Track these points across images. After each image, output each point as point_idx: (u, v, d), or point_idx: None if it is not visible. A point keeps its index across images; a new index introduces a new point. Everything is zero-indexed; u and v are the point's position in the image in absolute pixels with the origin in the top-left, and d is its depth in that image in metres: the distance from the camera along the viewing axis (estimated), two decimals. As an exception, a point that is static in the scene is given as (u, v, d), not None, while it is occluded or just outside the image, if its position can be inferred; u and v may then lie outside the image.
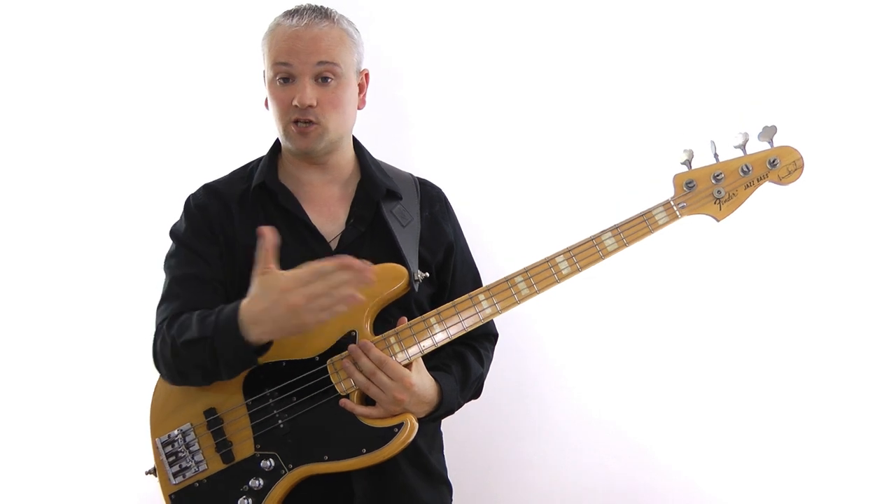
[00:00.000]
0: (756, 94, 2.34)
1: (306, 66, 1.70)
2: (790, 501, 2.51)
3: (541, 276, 1.70)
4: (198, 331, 1.62)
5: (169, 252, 1.82)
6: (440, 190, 1.97)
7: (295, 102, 1.70)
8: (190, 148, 2.60)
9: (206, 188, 1.85)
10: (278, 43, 1.72)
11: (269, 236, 1.55)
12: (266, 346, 1.60)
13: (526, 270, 1.70)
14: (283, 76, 1.72)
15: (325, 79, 1.72)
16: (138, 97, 2.62)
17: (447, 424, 1.89)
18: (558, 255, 1.70)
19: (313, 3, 1.79)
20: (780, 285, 2.51)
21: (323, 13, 1.76)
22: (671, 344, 2.56)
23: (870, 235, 2.47)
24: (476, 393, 1.90)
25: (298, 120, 1.72)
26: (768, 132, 1.70)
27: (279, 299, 1.51)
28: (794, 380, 2.51)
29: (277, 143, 1.87)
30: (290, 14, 1.75)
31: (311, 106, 1.70)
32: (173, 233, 1.83)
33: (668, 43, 2.53)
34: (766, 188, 1.72)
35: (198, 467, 1.68)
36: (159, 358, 1.71)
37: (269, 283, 1.53)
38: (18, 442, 2.56)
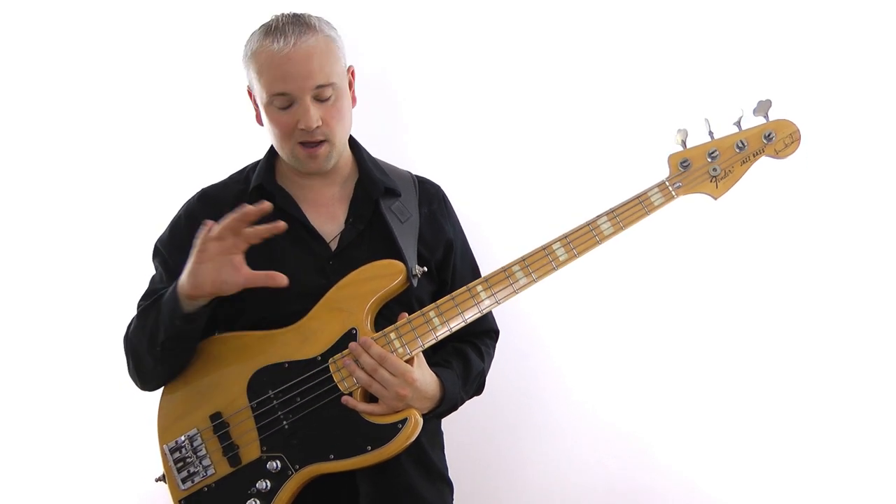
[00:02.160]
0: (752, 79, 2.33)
1: (305, 89, 1.67)
2: (789, 501, 2.48)
3: (538, 264, 1.68)
4: (154, 300, 1.73)
5: (154, 265, 1.87)
6: (439, 187, 1.96)
7: (301, 126, 1.69)
8: (188, 151, 2.62)
9: (202, 195, 1.87)
10: (270, 70, 1.67)
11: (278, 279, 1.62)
12: (194, 316, 1.66)
13: (523, 259, 1.69)
14: (282, 104, 1.70)
15: (323, 95, 1.70)
16: (135, 100, 2.63)
17: (447, 423, 1.88)
18: (554, 241, 1.69)
19: (288, 14, 1.73)
20: (783, 278, 2.47)
21: (303, 24, 1.69)
22: (672, 343, 2.53)
23: (874, 218, 2.43)
24: (478, 389, 1.89)
25: (306, 142, 1.72)
26: (763, 106, 1.68)
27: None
28: (795, 378, 2.48)
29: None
30: (272, 34, 1.67)
31: (317, 126, 1.70)
32: (155, 248, 1.86)
33: (657, 25, 2.50)
34: (767, 164, 1.70)
35: (206, 472, 1.69)
36: (125, 354, 1.80)
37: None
38: (26, 449, 2.58)
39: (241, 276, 1.61)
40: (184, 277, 1.63)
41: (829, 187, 2.42)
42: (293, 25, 1.68)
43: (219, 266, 1.60)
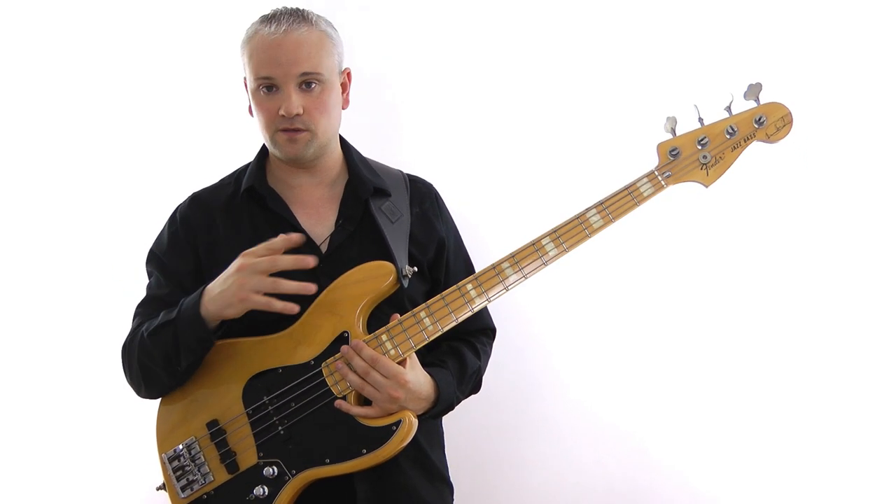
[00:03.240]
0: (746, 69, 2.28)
1: (290, 75, 1.70)
2: (788, 501, 2.45)
3: (527, 259, 1.66)
4: (164, 317, 1.71)
5: (147, 272, 1.87)
6: (431, 186, 1.95)
7: (282, 112, 1.70)
8: (180, 153, 2.62)
9: (193, 198, 1.87)
10: (259, 53, 1.72)
11: (292, 239, 1.63)
12: (220, 328, 1.67)
13: (512, 255, 1.67)
14: (267, 87, 1.72)
15: (308, 84, 1.72)
16: (126, 105, 2.65)
17: (446, 423, 1.87)
18: (544, 236, 1.67)
19: (290, 7, 1.77)
20: (781, 277, 2.44)
21: (300, 16, 1.74)
22: (670, 343, 2.51)
23: (873, 212, 2.39)
24: (475, 388, 1.87)
25: (287, 128, 1.72)
26: (754, 90, 1.64)
27: (232, 272, 1.63)
28: (794, 379, 2.45)
29: (264, 147, 1.87)
30: (268, 21, 1.74)
31: (297, 114, 1.70)
32: (151, 254, 1.87)
33: (643, 13, 2.48)
34: (758, 149, 1.66)
35: (204, 479, 1.69)
36: (125, 363, 1.79)
37: (237, 261, 1.64)
38: (28, 459, 2.60)
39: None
40: (211, 300, 1.64)
41: (823, 173, 2.38)
42: (289, 15, 1.73)
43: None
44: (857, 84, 2.36)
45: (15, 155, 2.64)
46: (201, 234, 1.80)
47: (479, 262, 1.93)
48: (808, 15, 2.39)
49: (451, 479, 1.88)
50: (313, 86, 1.72)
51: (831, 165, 2.37)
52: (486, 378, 1.89)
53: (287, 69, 1.69)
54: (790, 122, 1.63)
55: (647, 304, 2.51)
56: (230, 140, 2.41)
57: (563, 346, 2.57)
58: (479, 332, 1.90)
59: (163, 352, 1.69)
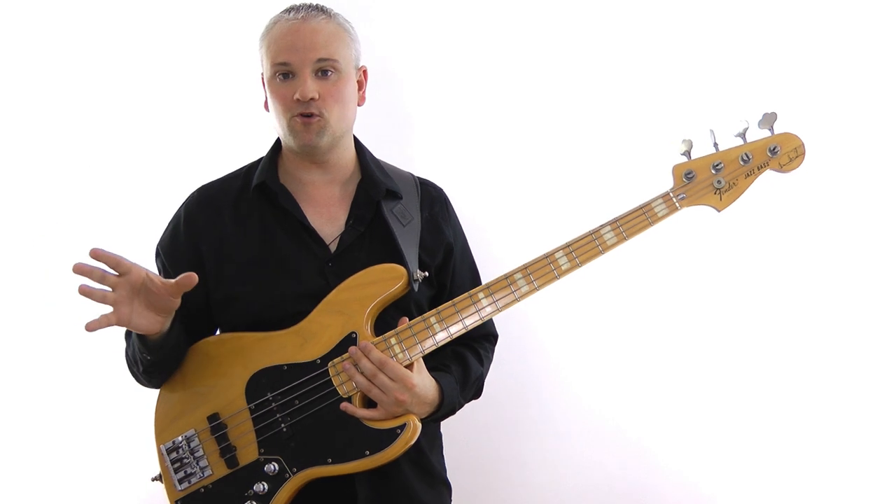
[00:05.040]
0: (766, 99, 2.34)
1: (306, 61, 1.70)
2: (789, 501, 2.49)
3: (540, 272, 1.68)
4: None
5: (156, 267, 1.86)
6: (441, 190, 1.95)
7: (297, 96, 1.70)
8: (188, 150, 2.60)
9: (201, 192, 1.86)
10: (277, 41, 1.73)
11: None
12: (161, 343, 1.66)
13: (525, 267, 1.69)
14: (284, 73, 1.73)
15: (325, 72, 1.73)
16: (136, 99, 2.62)
17: (447, 424, 1.88)
18: (557, 250, 1.69)
19: (309, 2, 1.79)
20: (782, 283, 2.48)
21: (318, 8, 1.77)
22: (671, 343, 2.54)
23: (874, 229, 2.45)
24: (476, 393, 1.89)
25: (301, 113, 1.72)
26: (768, 119, 1.67)
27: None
28: (794, 378, 2.49)
29: (277, 143, 1.86)
30: (286, 11, 1.77)
31: (313, 99, 1.70)
32: (156, 250, 1.86)
33: (663, 35, 2.50)
34: (769, 177, 1.70)
35: (203, 473, 1.69)
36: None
37: None
38: (23, 450, 2.58)
39: (167, 290, 1.59)
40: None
41: (832, 201, 2.43)
42: (310, 7, 1.77)
43: (144, 301, 1.60)
44: (867, 107, 2.42)
45: (24, 149, 2.61)
46: (205, 231, 1.79)
47: (487, 265, 1.96)
48: (823, 41, 2.44)
49: (451, 480, 1.90)
50: (329, 73, 1.73)
51: (831, 173, 2.41)
52: (488, 378, 1.90)
53: (304, 55, 1.70)
54: (803, 153, 1.67)
55: (647, 305, 2.54)
56: (240, 134, 2.39)
57: (563, 347, 2.58)
58: (482, 338, 1.91)
59: (130, 357, 1.77)
